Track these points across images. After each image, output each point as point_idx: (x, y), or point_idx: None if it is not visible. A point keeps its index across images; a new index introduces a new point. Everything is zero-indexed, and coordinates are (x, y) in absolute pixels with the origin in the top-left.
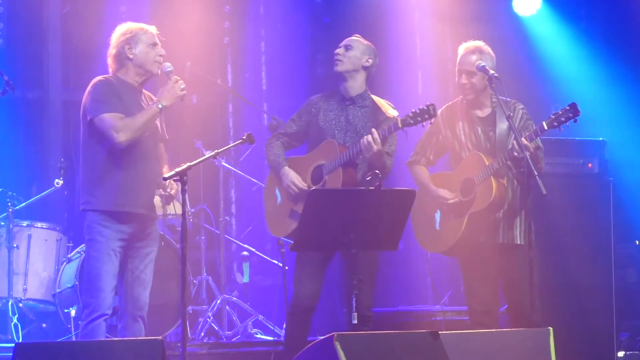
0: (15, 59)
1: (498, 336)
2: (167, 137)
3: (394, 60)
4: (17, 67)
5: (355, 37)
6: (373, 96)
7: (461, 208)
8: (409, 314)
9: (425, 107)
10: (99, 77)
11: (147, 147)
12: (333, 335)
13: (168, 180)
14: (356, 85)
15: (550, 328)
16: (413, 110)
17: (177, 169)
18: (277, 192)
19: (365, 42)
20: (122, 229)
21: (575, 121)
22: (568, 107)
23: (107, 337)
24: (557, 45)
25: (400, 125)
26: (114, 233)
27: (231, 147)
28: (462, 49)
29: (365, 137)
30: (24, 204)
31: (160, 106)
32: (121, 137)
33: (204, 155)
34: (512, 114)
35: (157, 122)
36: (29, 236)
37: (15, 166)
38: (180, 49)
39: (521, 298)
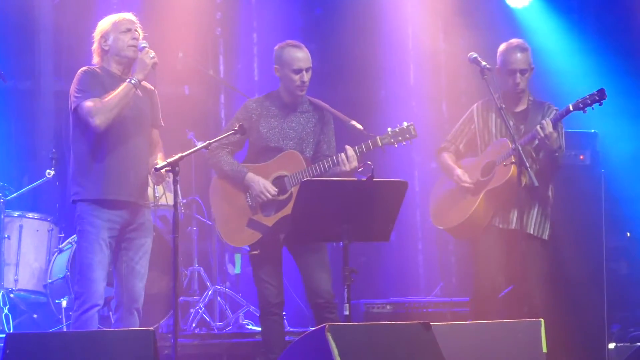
0: (6, 50)
1: (489, 327)
2: (163, 124)
3: (386, 52)
4: (8, 57)
5: (307, 52)
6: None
7: (478, 187)
8: (401, 305)
9: (405, 127)
10: (84, 67)
11: (134, 133)
12: (325, 326)
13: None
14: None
15: (542, 319)
16: (393, 129)
17: (169, 160)
18: (229, 200)
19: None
20: (112, 219)
21: (600, 104)
22: (596, 92)
23: (100, 327)
24: (549, 37)
25: (380, 144)
26: (104, 222)
27: (223, 138)
28: (505, 47)
29: (343, 154)
30: (15, 194)
31: (133, 81)
32: (97, 121)
33: (196, 146)
34: (545, 115)
35: (146, 107)
36: (21, 227)
37: (6, 156)
38: (173, 39)
39: (528, 290)
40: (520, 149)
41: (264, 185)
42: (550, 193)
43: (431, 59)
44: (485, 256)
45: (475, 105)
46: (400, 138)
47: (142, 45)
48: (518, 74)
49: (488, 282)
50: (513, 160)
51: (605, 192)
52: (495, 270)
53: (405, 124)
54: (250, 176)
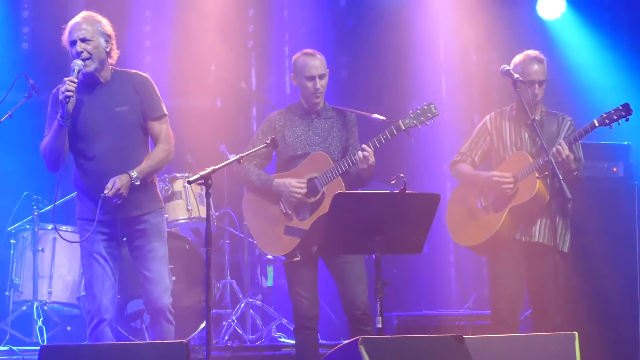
0: (40, 63)
1: (523, 340)
2: (166, 112)
3: (417, 64)
4: (42, 70)
5: (321, 59)
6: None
7: (502, 202)
8: (434, 317)
9: (425, 107)
10: (54, 89)
11: (108, 150)
12: (358, 339)
13: (111, 182)
14: (322, 101)
15: (576, 333)
16: (414, 111)
17: (202, 173)
18: (263, 212)
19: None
20: (103, 231)
21: (627, 120)
22: (621, 107)
23: (131, 340)
24: (582, 50)
25: (403, 127)
26: (95, 235)
27: (255, 151)
28: (522, 58)
29: (360, 152)
30: (49, 207)
31: (58, 119)
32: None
33: (228, 159)
34: (560, 126)
35: (129, 107)
36: (54, 239)
37: (40, 169)
38: (205, 52)
39: (548, 302)
40: (553, 161)
41: (290, 184)
42: (569, 205)
43: (463, 71)
44: (503, 276)
45: (488, 116)
46: (422, 118)
47: (74, 66)
48: (537, 85)
49: (506, 304)
50: (537, 175)
51: (638, 204)
52: (515, 290)
53: (424, 104)
54: (277, 182)
